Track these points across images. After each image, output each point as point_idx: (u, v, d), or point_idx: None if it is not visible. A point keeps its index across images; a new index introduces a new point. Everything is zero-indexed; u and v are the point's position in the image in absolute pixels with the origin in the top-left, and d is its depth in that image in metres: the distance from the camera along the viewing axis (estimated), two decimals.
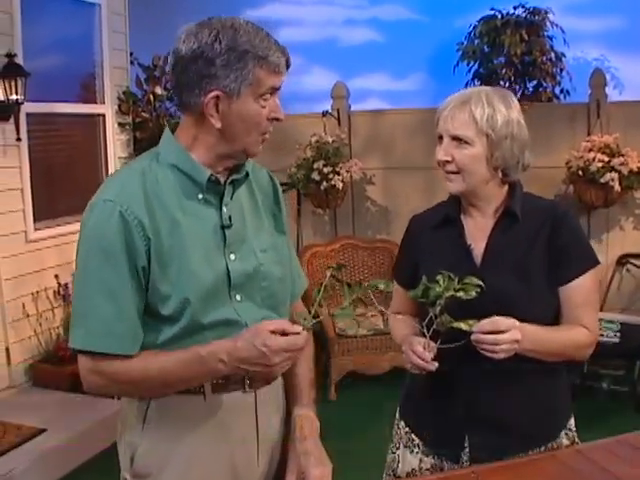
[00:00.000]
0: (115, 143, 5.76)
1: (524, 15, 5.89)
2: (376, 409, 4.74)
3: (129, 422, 1.77)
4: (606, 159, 5.05)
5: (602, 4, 6.28)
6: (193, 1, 7.21)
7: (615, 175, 5.02)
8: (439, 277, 1.82)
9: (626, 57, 6.34)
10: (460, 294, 1.79)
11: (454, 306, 1.80)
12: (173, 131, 1.74)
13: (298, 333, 1.60)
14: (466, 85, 6.18)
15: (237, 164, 1.76)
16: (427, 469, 2.05)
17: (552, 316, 1.97)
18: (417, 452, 2.08)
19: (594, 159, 5.06)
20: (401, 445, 2.14)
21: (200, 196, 1.70)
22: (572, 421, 2.11)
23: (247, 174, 1.79)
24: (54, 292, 5.17)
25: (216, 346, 1.62)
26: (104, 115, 5.68)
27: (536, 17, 5.85)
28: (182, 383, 1.67)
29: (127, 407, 1.78)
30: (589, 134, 5.51)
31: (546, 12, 5.86)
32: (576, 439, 2.09)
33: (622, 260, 5.58)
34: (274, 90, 1.67)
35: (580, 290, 1.96)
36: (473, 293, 1.79)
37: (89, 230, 1.63)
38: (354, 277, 5.84)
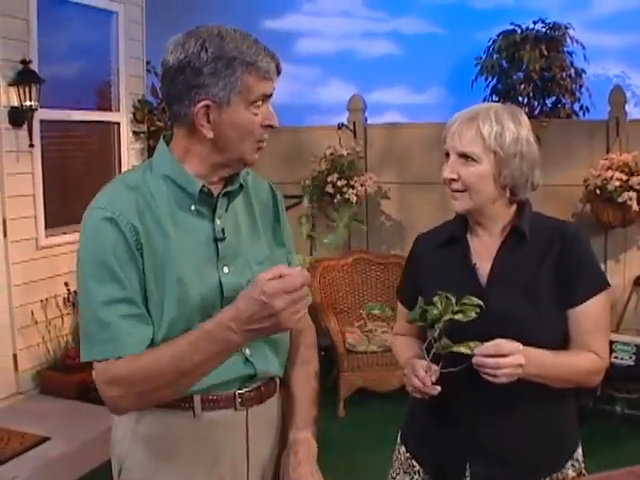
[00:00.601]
0: (129, 151, 5.75)
1: (544, 30, 5.83)
2: (384, 427, 4.62)
3: (119, 435, 1.74)
4: (624, 178, 4.96)
5: (623, 20, 6.22)
6: (211, 11, 7.24)
7: (633, 194, 4.93)
8: (436, 298, 1.78)
9: None
10: (459, 317, 1.74)
11: (456, 328, 1.75)
12: (168, 142, 1.71)
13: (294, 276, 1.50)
14: (484, 100, 6.13)
15: (232, 175, 1.72)
16: None
17: (561, 339, 1.90)
18: (417, 479, 2.03)
19: (612, 177, 4.97)
20: (401, 471, 2.08)
21: (193, 207, 1.67)
22: (579, 451, 2.03)
23: (241, 185, 1.75)
24: (64, 299, 5.13)
25: (220, 317, 1.55)
26: (119, 123, 5.67)
27: (556, 32, 5.79)
28: (197, 368, 1.58)
29: (117, 420, 1.75)
30: (608, 152, 5.42)
31: (566, 27, 5.80)
32: (583, 470, 2.01)
33: (638, 281, 5.48)
34: (265, 97, 1.63)
35: (590, 314, 1.89)
36: (472, 314, 1.74)
37: (85, 240, 1.62)
38: (366, 292, 5.78)
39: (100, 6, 5.38)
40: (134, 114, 5.70)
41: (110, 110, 5.64)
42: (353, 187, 5.76)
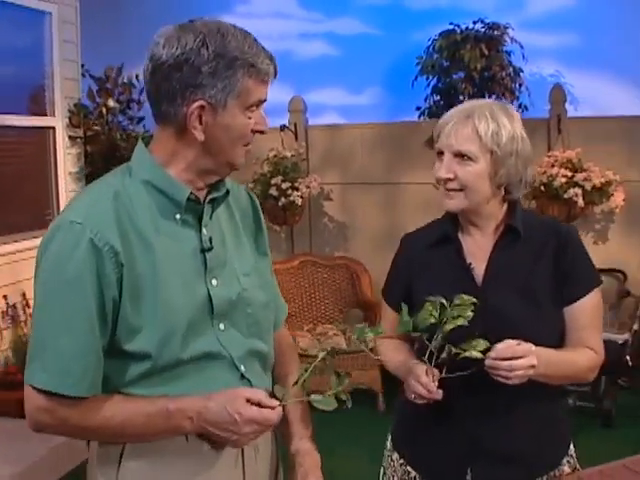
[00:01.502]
0: (66, 157, 5.53)
1: (483, 30, 5.88)
2: (337, 429, 4.64)
3: (102, 465, 1.58)
4: (569, 174, 5.05)
5: (558, 21, 6.32)
6: (145, 12, 7.08)
7: (579, 190, 5.02)
8: (428, 305, 1.71)
9: (581, 73, 6.38)
10: (459, 322, 1.68)
11: (454, 329, 1.69)
12: (147, 144, 1.59)
13: (273, 408, 1.50)
14: (425, 100, 6.16)
15: (217, 180, 1.62)
16: None
17: (557, 337, 1.89)
18: None
19: (557, 174, 5.05)
20: (395, 478, 2.03)
21: (178, 216, 1.55)
22: (572, 447, 2.03)
23: (227, 192, 1.65)
24: (2, 313, 4.89)
25: (186, 403, 1.49)
26: (54, 128, 5.45)
27: (495, 32, 5.85)
28: (139, 437, 1.52)
29: (97, 453, 1.59)
30: (549, 149, 5.52)
31: (505, 27, 5.86)
32: (577, 466, 2.01)
33: None
34: (261, 102, 1.55)
35: (585, 310, 1.89)
36: (469, 313, 1.68)
37: (52, 255, 1.46)
38: (314, 294, 5.73)
39: (32, 6, 5.16)
40: (70, 119, 5.50)
41: (45, 115, 5.42)
42: (297, 189, 5.70)
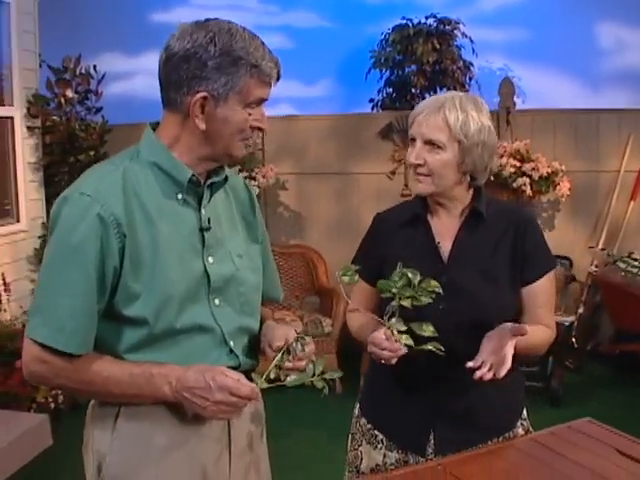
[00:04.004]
0: (24, 147, 5.54)
1: (435, 25, 6.05)
2: (300, 411, 4.77)
3: (97, 429, 1.72)
4: (518, 164, 5.24)
5: (507, 17, 6.52)
6: (101, 3, 7.09)
7: (527, 180, 5.22)
8: (396, 274, 1.84)
9: (528, 67, 6.58)
10: (408, 302, 1.81)
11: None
12: (154, 129, 1.71)
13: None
14: (378, 92, 6.31)
15: (217, 167, 1.74)
16: (392, 464, 2.09)
17: (513, 314, 2.04)
18: (381, 448, 2.11)
19: (506, 164, 5.24)
20: (363, 442, 2.16)
21: (179, 196, 1.67)
22: (525, 412, 2.20)
23: (226, 178, 1.77)
24: None
25: (168, 369, 1.61)
26: (12, 118, 5.44)
27: (446, 27, 6.02)
28: (125, 397, 1.64)
29: (95, 413, 1.73)
30: (499, 140, 5.68)
31: (456, 22, 6.04)
32: (530, 428, 2.18)
33: None
34: (261, 101, 1.66)
35: (542, 290, 2.06)
36: (424, 300, 1.81)
37: (61, 223, 1.58)
38: None
39: None
40: (28, 109, 5.50)
41: (3, 105, 5.42)
42: (254, 179, 5.80)
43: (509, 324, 1.88)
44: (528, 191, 5.24)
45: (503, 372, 1.82)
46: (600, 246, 5.65)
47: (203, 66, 1.57)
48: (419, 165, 2.00)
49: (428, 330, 1.83)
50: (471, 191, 2.09)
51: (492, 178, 5.28)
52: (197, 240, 1.69)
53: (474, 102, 2.01)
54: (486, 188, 5.36)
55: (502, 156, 5.34)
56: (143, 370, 1.60)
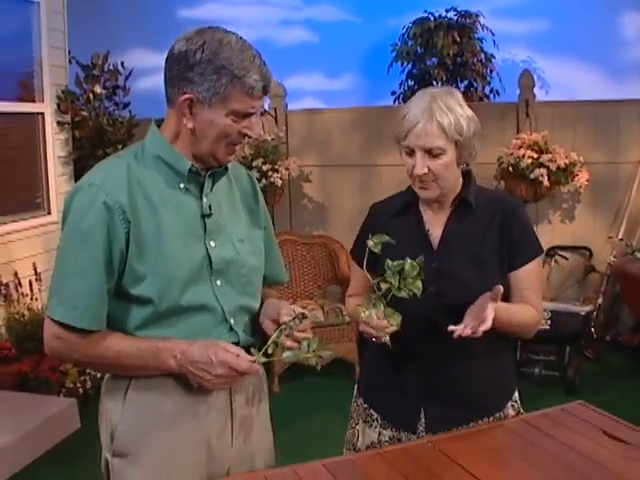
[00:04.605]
0: (55, 142, 5.71)
1: (456, 18, 6.10)
2: (318, 398, 4.89)
3: (110, 401, 1.86)
4: (535, 156, 5.28)
5: (529, 8, 6.54)
6: (131, 1, 7.24)
7: (544, 171, 5.25)
8: (388, 262, 1.94)
9: (551, 59, 6.61)
10: (392, 292, 1.92)
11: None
12: (159, 125, 1.84)
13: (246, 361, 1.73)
14: (400, 85, 6.38)
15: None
16: (386, 441, 2.19)
17: (500, 299, 2.12)
18: (376, 426, 2.22)
19: (524, 156, 5.28)
20: (360, 421, 2.27)
21: (182, 185, 1.80)
22: (516, 394, 2.28)
23: (226, 168, 1.88)
24: None
25: (173, 343, 1.74)
26: (43, 114, 5.62)
27: (467, 20, 6.08)
28: (134, 369, 1.78)
29: (108, 386, 1.87)
30: (518, 132, 5.75)
31: (477, 15, 6.09)
32: (521, 410, 2.26)
33: (550, 252, 5.83)
34: (247, 115, 1.73)
35: (528, 275, 2.14)
36: (404, 294, 1.91)
37: (73, 212, 1.73)
38: (295, 271, 5.94)
39: None
40: (58, 105, 5.68)
41: (34, 101, 5.59)
42: (277, 171, 5.91)
43: (488, 292, 1.95)
44: (545, 182, 5.26)
45: (482, 330, 1.88)
46: (619, 237, 5.66)
47: (190, 70, 1.69)
48: (424, 174, 2.07)
49: (395, 321, 1.94)
50: (461, 180, 2.17)
51: (510, 169, 5.36)
52: (199, 226, 1.82)
53: (452, 96, 2.07)
54: (504, 179, 5.41)
55: (520, 147, 5.38)
56: (150, 344, 1.74)
